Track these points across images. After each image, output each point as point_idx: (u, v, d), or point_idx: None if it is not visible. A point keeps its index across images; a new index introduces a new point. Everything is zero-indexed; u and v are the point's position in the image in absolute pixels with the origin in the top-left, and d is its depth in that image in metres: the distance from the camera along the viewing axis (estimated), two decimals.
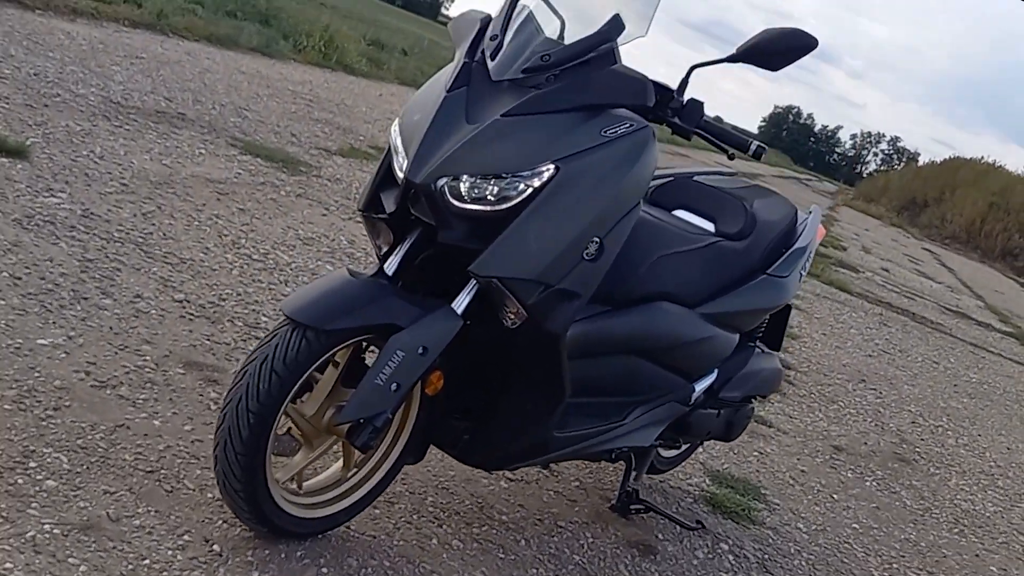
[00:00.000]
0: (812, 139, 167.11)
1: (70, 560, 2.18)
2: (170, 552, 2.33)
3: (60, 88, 6.28)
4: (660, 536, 3.41)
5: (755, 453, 4.68)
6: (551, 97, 2.44)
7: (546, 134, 2.41)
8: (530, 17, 2.59)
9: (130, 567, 2.23)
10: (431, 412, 2.63)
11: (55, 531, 2.25)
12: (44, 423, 2.64)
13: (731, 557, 3.48)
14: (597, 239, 2.50)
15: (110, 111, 6.23)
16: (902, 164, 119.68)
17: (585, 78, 2.47)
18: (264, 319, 3.94)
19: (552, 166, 2.38)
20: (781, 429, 5.23)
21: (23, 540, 2.18)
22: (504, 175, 2.35)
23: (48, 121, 5.41)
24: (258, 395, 2.26)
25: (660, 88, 2.69)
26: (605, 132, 2.48)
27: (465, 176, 2.34)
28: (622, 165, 2.52)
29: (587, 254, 2.49)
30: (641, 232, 2.89)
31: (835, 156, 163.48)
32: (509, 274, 2.38)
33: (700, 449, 4.33)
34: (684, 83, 2.74)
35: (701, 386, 3.24)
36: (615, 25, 2.52)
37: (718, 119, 3.32)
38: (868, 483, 4.91)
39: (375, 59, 16.12)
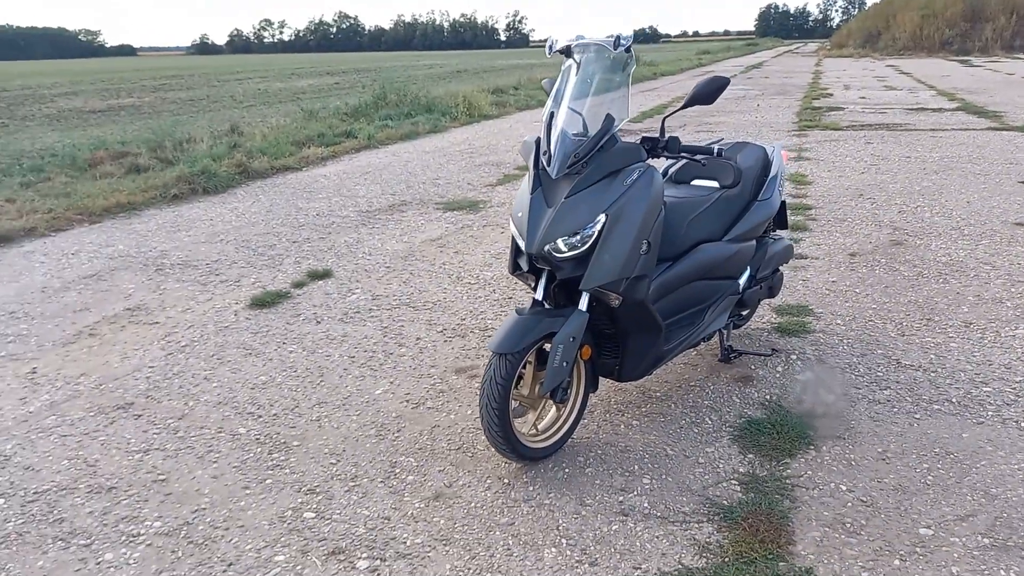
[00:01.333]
0: (791, 18, 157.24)
1: (437, 518, 2.50)
2: (482, 492, 2.63)
3: (333, 216, 6.72)
4: (753, 367, 3.55)
5: (800, 281, 4.68)
6: (589, 177, 2.63)
7: (594, 199, 2.60)
8: (563, 126, 2.69)
9: (465, 512, 2.54)
10: (592, 364, 2.89)
11: (418, 504, 2.58)
12: (393, 441, 3.01)
13: (799, 363, 3.58)
14: (646, 241, 2.69)
15: (363, 218, 6.62)
16: (856, 11, 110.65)
17: (602, 158, 2.64)
18: (489, 322, 4.21)
19: (604, 215, 2.58)
20: (813, 256, 5.18)
21: (409, 514, 2.53)
22: (578, 231, 2.57)
23: (335, 244, 5.86)
24: (494, 398, 2.56)
25: (650, 139, 2.85)
26: (626, 182, 2.66)
27: (558, 239, 2.58)
28: (643, 196, 2.68)
29: (643, 251, 2.68)
30: (675, 210, 3.05)
31: (809, 23, 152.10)
32: (601, 281, 2.61)
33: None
34: (662, 129, 2.88)
35: (743, 280, 3.36)
36: (608, 121, 2.68)
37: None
38: (877, 271, 4.82)
39: (500, 102, 16.08)
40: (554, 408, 2.87)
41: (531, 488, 2.65)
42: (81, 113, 19.20)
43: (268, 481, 2.72)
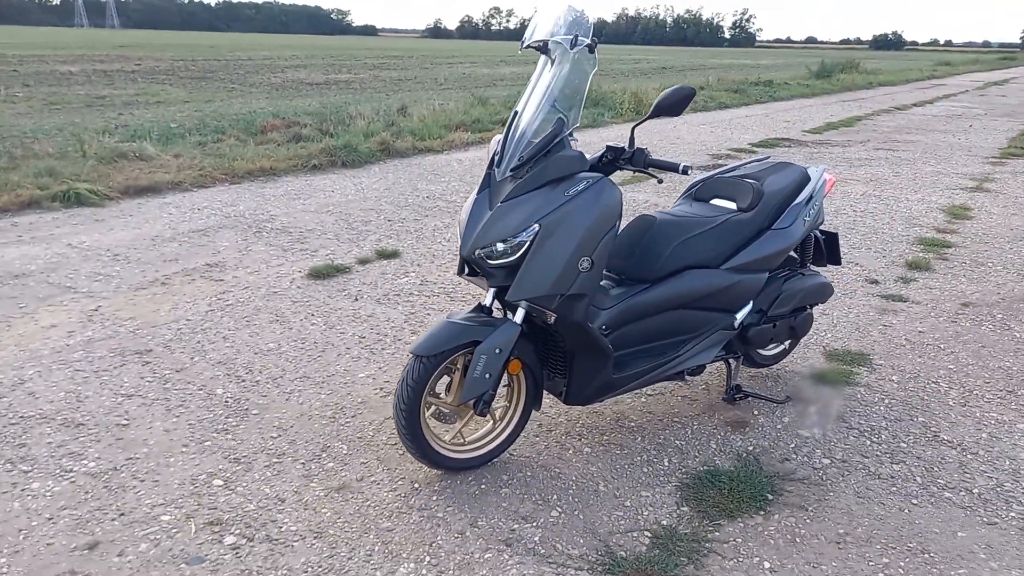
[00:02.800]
0: None
1: (326, 510, 2.46)
2: (384, 492, 2.55)
3: (440, 200, 6.86)
4: (756, 413, 3.16)
5: (880, 327, 4.10)
6: (529, 182, 2.46)
7: (530, 206, 2.43)
8: (524, 126, 2.50)
9: (355, 509, 2.47)
10: (535, 380, 2.71)
11: (319, 492, 2.54)
12: (342, 425, 2.98)
13: (814, 417, 3.15)
14: (588, 258, 2.47)
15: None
16: None
17: (545, 165, 2.46)
18: None
19: (537, 225, 2.41)
20: (914, 300, 4.52)
21: (304, 500, 2.50)
22: (510, 239, 2.41)
23: (423, 227, 5.97)
24: (403, 399, 2.47)
25: (614, 150, 2.61)
26: (568, 192, 2.46)
27: (489, 245, 2.43)
28: (587, 209, 2.46)
29: (582, 268, 2.47)
30: (663, 229, 2.80)
31: None
32: (530, 295, 2.44)
33: (823, 334, 3.93)
34: (631, 139, 2.64)
35: (741, 314, 2.99)
36: (559, 124, 2.48)
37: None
38: (983, 328, 4.11)
39: None
40: (490, 420, 2.73)
41: (434, 498, 2.54)
42: (301, 84, 21.00)
43: (207, 443, 2.83)
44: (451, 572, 2.19)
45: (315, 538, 2.33)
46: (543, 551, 2.29)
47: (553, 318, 2.52)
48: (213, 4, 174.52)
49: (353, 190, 7.16)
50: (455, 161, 8.79)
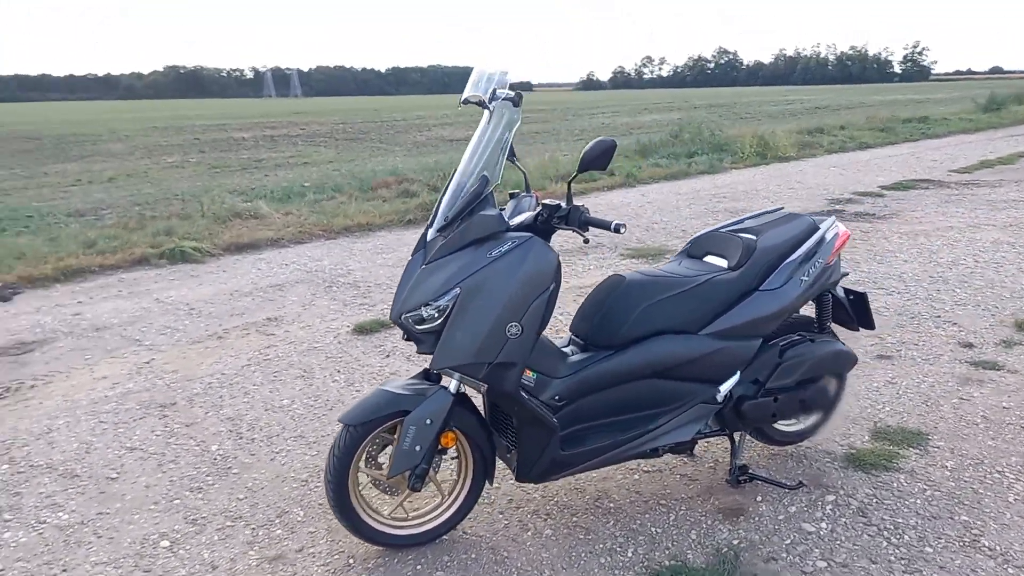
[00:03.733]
0: None
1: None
2: (316, 567, 2.44)
3: None
4: (760, 499, 2.77)
5: (954, 401, 3.52)
6: (452, 242, 2.33)
7: (453, 268, 2.30)
8: (458, 180, 2.39)
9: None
10: (483, 453, 2.52)
11: (252, 561, 2.46)
12: (310, 490, 2.92)
13: (829, 507, 2.70)
14: (517, 323, 2.29)
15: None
16: None
17: (467, 225, 2.32)
18: None
19: (458, 288, 2.26)
20: (1011, 370, 3.86)
21: (235, 569, 2.44)
22: (432, 302, 2.28)
23: None
24: (331, 470, 2.38)
25: (550, 207, 2.42)
26: (490, 254, 2.30)
27: (413, 309, 2.31)
28: (512, 271, 2.29)
29: (511, 335, 2.29)
30: (630, 290, 2.56)
31: None
32: (452, 363, 2.30)
33: (879, 406, 3.43)
34: (568, 196, 2.44)
35: (726, 386, 2.65)
36: (483, 182, 2.34)
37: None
38: None
39: (808, 143, 14.67)
40: (438, 494, 2.57)
41: None
42: (442, 141, 21.94)
43: (176, 501, 2.86)
44: None
45: None
46: None
47: (483, 387, 2.35)
48: (383, 71, 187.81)
49: None
50: None
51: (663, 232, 7.45)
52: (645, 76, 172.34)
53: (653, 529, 2.61)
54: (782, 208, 3.01)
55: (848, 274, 3.09)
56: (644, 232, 7.48)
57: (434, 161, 14.47)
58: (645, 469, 3.00)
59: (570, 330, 2.70)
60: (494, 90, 2.35)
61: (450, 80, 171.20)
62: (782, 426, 3.00)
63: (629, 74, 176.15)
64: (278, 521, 2.71)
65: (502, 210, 2.45)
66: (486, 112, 2.44)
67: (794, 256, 2.69)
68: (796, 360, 2.74)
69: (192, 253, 6.78)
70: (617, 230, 2.32)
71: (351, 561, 2.48)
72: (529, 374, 2.42)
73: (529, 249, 2.33)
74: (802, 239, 2.74)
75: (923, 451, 3.06)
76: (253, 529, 2.67)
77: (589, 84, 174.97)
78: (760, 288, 2.65)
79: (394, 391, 2.40)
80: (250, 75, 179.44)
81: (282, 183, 11.47)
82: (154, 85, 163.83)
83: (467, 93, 2.42)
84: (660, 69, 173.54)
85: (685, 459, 3.06)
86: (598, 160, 2.32)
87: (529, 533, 2.61)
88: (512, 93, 2.38)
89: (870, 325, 3.02)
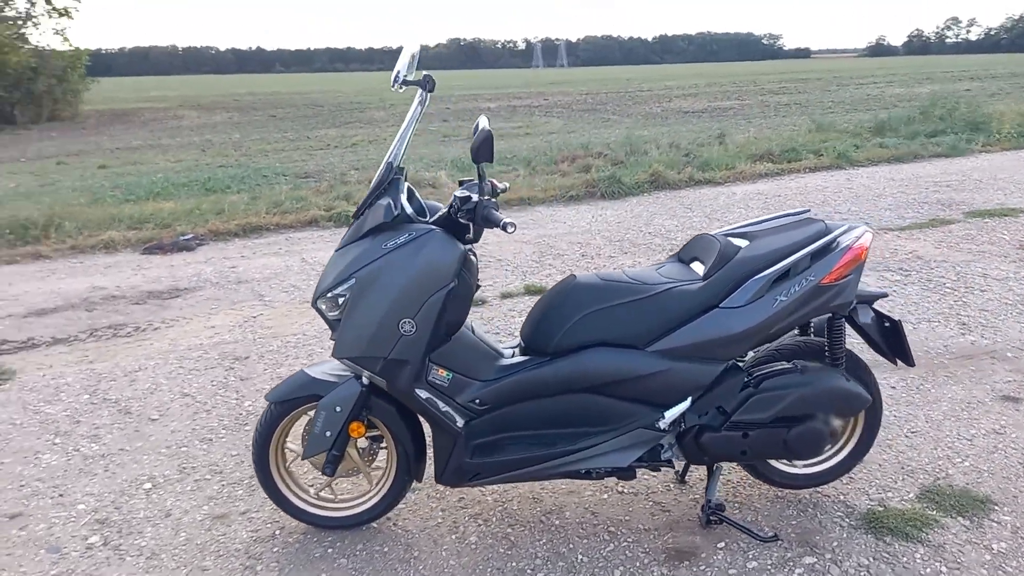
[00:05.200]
0: None
1: (191, 530, 2.57)
2: (246, 533, 2.56)
3: (660, 237, 6.35)
4: (722, 545, 2.38)
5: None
6: (355, 230, 2.28)
7: (351, 256, 2.26)
8: (383, 164, 2.30)
9: (210, 539, 2.52)
10: (406, 449, 2.45)
11: (199, 516, 2.67)
12: None
13: (800, 571, 2.25)
14: (410, 320, 2.18)
15: (669, 246, 6.14)
16: None
17: (366, 214, 2.23)
18: None
19: (353, 278, 2.21)
20: None
21: (181, 520, 2.64)
22: (331, 291, 2.26)
23: (603, 263, 5.65)
24: (254, 443, 2.47)
25: (460, 199, 2.28)
26: (385, 245, 2.21)
27: (321, 296, 2.30)
28: (406, 265, 2.20)
29: (404, 331, 2.19)
30: (576, 294, 2.34)
31: None
32: (348, 355, 2.28)
33: (942, 460, 2.79)
34: (481, 187, 2.27)
35: (673, 412, 2.29)
36: (386, 169, 2.24)
37: None
38: None
39: None
40: (366, 481, 2.55)
41: (275, 548, 2.46)
42: (675, 113, 21.25)
43: (183, 449, 3.13)
44: None
45: (147, 557, 2.44)
46: None
47: (383, 383, 2.27)
48: (650, 39, 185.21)
49: (585, 222, 7.08)
50: (724, 195, 8.08)
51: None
52: (948, 40, 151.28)
53: (580, 557, 2.37)
54: (807, 211, 2.51)
55: (886, 295, 2.52)
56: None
57: (649, 133, 14.08)
58: (620, 489, 2.73)
59: (520, 333, 2.51)
60: (399, 73, 2.22)
61: (719, 47, 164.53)
62: (783, 466, 2.54)
63: (928, 38, 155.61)
64: (247, 483, 2.87)
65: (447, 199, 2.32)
66: (420, 90, 2.31)
67: (767, 271, 2.23)
68: (774, 393, 2.29)
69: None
70: (504, 228, 2.11)
71: (278, 532, 2.56)
72: (442, 373, 2.30)
73: (425, 243, 2.20)
74: (792, 251, 2.26)
75: (974, 524, 2.43)
76: (222, 486, 2.85)
77: (878, 50, 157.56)
78: (720, 305, 2.24)
79: (312, 375, 2.42)
80: (522, 46, 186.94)
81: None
82: (439, 56, 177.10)
83: (402, 75, 2.29)
84: (968, 32, 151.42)
85: (672, 485, 2.72)
86: (480, 152, 2.11)
87: (454, 536, 2.50)
88: (422, 76, 2.24)
89: (907, 359, 2.43)
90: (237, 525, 2.61)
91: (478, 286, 2.48)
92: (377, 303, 2.19)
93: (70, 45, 25.12)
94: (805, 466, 2.57)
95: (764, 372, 2.35)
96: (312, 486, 2.61)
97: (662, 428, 2.30)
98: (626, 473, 2.37)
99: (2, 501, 2.78)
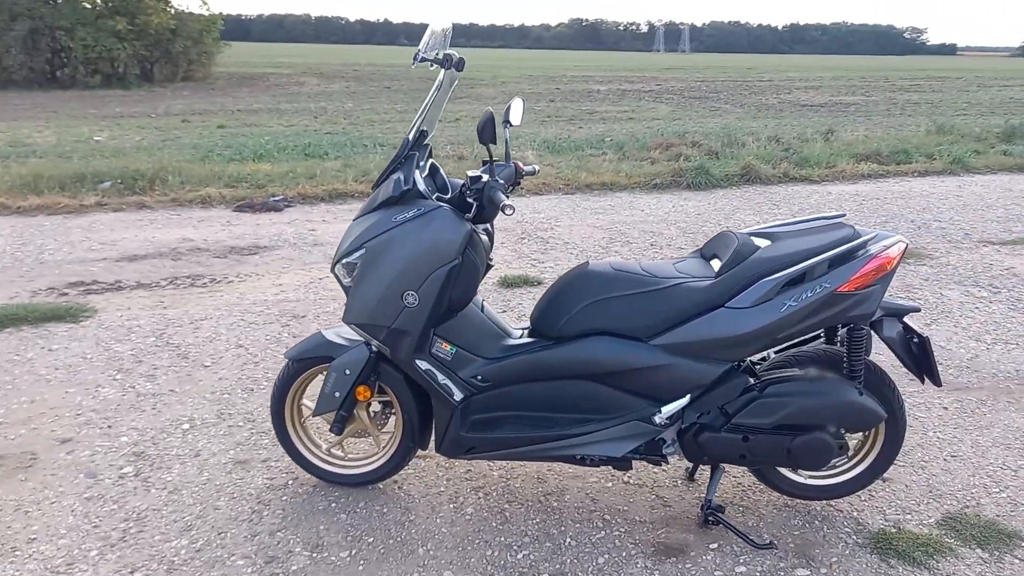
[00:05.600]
0: None
1: (212, 472, 2.76)
2: (262, 480, 2.71)
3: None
4: (714, 546, 2.34)
5: None
6: (371, 201, 2.35)
7: (365, 226, 2.35)
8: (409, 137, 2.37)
9: (227, 483, 2.68)
10: (411, 417, 2.51)
11: (225, 459, 2.83)
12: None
13: None
14: (412, 292, 2.25)
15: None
16: None
17: (382, 186, 2.30)
18: None
19: (364, 248, 2.29)
20: None
21: (205, 460, 2.84)
22: (345, 259, 2.35)
23: (655, 254, 5.54)
24: (272, 398, 2.60)
25: (472, 178, 2.31)
26: (395, 218, 2.28)
27: (337, 263, 2.40)
28: (412, 239, 2.26)
29: (407, 303, 2.25)
30: (585, 281, 2.36)
31: None
32: (354, 320, 2.37)
33: (998, 489, 2.63)
34: (490, 168, 2.30)
35: (670, 408, 2.25)
36: (404, 144, 2.30)
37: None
38: None
39: None
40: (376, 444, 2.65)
41: (283, 497, 2.60)
42: (792, 105, 20.41)
43: (225, 396, 3.33)
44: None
45: (169, 492, 2.63)
46: None
47: (388, 352, 2.34)
48: (780, 27, 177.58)
49: (664, 211, 6.95)
50: (818, 194, 7.73)
51: (939, 235, 6.18)
52: None
53: (568, 540, 2.38)
54: (842, 215, 2.39)
55: (918, 309, 2.37)
56: (917, 231, 6.27)
57: (755, 125, 13.62)
58: (626, 479, 2.71)
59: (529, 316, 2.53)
60: (437, 52, 2.27)
61: (855, 39, 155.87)
62: (790, 474, 2.46)
63: None
64: (274, 434, 3.01)
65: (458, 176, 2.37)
66: (441, 69, 2.36)
67: (779, 274, 2.14)
68: (777, 400, 2.21)
69: None
70: (503, 210, 2.13)
71: (290, 483, 2.70)
72: (447, 347, 2.35)
73: (433, 218, 2.25)
74: (810, 255, 2.16)
75: (993, 557, 2.28)
76: (251, 434, 3.02)
77: None
78: (726, 305, 2.18)
79: (327, 337, 2.53)
80: (645, 29, 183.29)
81: (577, 136, 11.77)
82: (559, 36, 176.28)
83: (421, 53, 2.35)
84: None
85: (680, 481, 2.68)
86: (484, 134, 2.14)
87: (452, 506, 2.56)
88: (454, 54, 2.27)
89: (934, 379, 2.29)
90: (256, 471, 2.76)
91: (490, 266, 2.51)
92: (384, 273, 2.26)
93: (208, 10, 26.58)
94: (813, 477, 2.47)
95: (771, 377, 2.27)
96: (325, 443, 2.72)
97: (658, 423, 2.27)
98: (621, 463, 2.36)
99: (59, 426, 3.05)
